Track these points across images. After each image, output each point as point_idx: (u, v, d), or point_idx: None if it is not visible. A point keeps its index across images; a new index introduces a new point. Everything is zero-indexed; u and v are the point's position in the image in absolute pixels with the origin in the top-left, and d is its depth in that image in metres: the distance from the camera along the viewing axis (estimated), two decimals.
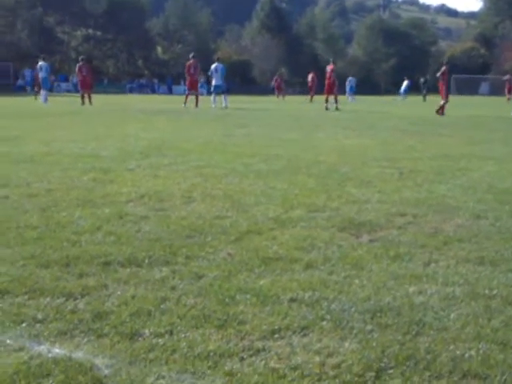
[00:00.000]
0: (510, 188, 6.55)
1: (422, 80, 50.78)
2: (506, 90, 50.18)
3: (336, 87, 27.42)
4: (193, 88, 27.34)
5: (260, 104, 32.85)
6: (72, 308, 3.03)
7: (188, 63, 27.49)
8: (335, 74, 27.65)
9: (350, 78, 47.67)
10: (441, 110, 22.37)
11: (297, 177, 7.10)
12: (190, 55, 28.45)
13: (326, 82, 27.29)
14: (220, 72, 27.19)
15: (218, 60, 28.42)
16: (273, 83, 53.71)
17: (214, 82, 27.39)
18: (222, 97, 26.47)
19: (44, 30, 71.56)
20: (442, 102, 22.78)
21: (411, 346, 2.66)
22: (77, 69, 29.31)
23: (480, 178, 7.27)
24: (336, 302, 3.15)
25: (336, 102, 26.48)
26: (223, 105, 25.85)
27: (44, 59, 30.37)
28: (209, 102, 27.58)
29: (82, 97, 27.98)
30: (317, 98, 38.90)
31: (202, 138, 11.53)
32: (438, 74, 23.74)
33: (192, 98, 26.39)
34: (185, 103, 26.20)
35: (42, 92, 29.27)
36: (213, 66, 27.52)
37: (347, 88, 46.94)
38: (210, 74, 27.82)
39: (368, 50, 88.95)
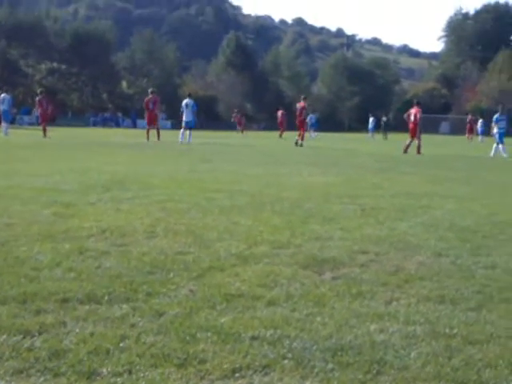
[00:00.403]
0: (470, 226, 6.64)
1: (384, 119, 51.27)
2: (467, 130, 51.16)
3: (306, 124, 28.00)
4: (152, 122, 27.42)
5: (225, 139, 32.97)
6: (29, 346, 2.95)
7: (147, 98, 27.67)
8: (306, 112, 28.21)
9: (310, 115, 48.23)
10: (418, 150, 22.53)
11: (261, 213, 7.10)
12: (149, 90, 28.63)
13: (298, 118, 27.71)
14: (190, 108, 27.31)
15: (190, 96, 28.54)
16: (232, 119, 54.51)
17: (184, 118, 27.38)
18: (186, 132, 26.56)
19: (8, 63, 71.25)
20: (416, 142, 22.99)
21: None
22: (37, 102, 29.16)
23: (441, 216, 7.35)
24: (298, 340, 3.13)
25: (302, 138, 26.87)
26: (187, 140, 25.95)
27: (6, 91, 30.10)
28: (172, 136, 27.56)
29: (44, 130, 27.82)
30: (285, 134, 39.29)
31: (165, 173, 11.50)
32: (411, 115, 23.79)
33: (153, 132, 26.51)
34: (147, 138, 26.16)
35: (3, 124, 29.03)
36: (184, 102, 27.66)
37: (309, 125, 47.53)
38: (181, 109, 27.79)
39: (332, 88, 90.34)
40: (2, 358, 2.80)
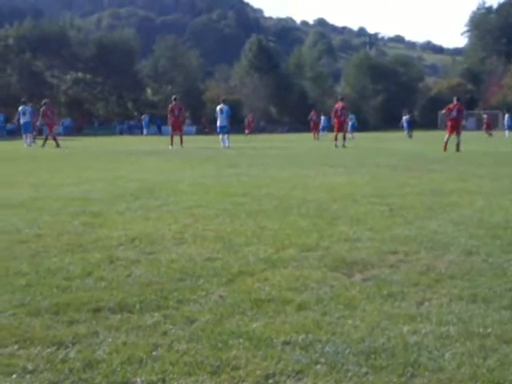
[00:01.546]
0: (500, 223, 6.56)
1: (407, 116, 48.84)
2: (484, 127, 50.36)
3: (346, 125, 27.82)
4: (177, 129, 27.94)
5: (250, 143, 33.01)
6: (63, 357, 2.98)
7: (171, 106, 28.14)
8: (346, 112, 28.09)
9: (351, 116, 48.10)
10: (456, 147, 22.14)
11: (287, 216, 7.09)
12: (173, 97, 29.10)
13: (337, 119, 27.54)
14: (225, 113, 27.86)
15: (224, 101, 28.98)
16: (246, 122, 54.97)
17: (218, 123, 27.95)
18: (225, 137, 27.19)
19: (33, 75, 72.09)
20: (457, 139, 22.60)
21: None
22: (41, 113, 29.68)
23: (470, 213, 7.27)
24: (330, 344, 3.12)
25: (344, 139, 26.73)
26: (226, 145, 26.63)
27: (24, 103, 30.53)
28: (198, 141, 27.70)
29: (54, 139, 28.64)
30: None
31: (192, 179, 11.54)
32: (453, 111, 23.23)
33: (177, 138, 27.01)
34: (171, 144, 26.62)
35: (25, 136, 29.94)
36: (218, 107, 28.18)
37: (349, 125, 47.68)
38: (215, 115, 28.38)
39: (356, 88, 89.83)
40: (37, 370, 2.83)
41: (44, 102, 30.51)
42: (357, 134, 45.85)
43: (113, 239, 5.77)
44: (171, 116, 27.88)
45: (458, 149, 21.97)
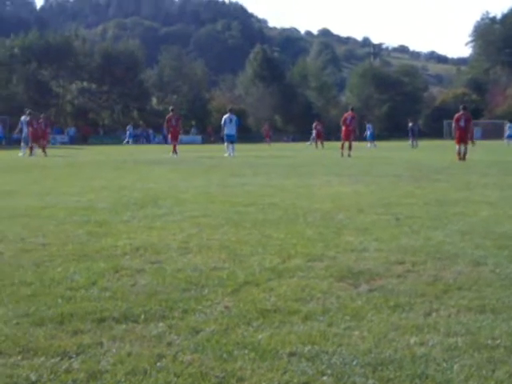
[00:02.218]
0: (507, 232, 6.52)
1: (410, 125, 47.75)
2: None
3: (355, 134, 27.89)
4: (175, 139, 28.57)
5: (255, 152, 33.00)
6: (66, 367, 2.95)
7: (168, 116, 29.06)
8: (355, 122, 28.16)
9: (368, 125, 48.14)
10: (464, 156, 22.03)
11: (293, 225, 7.06)
12: (170, 108, 30.28)
13: (346, 128, 27.54)
14: (234, 122, 28.58)
15: (231, 111, 29.47)
16: (264, 132, 55.16)
17: (226, 131, 28.28)
18: (230, 146, 27.52)
19: (39, 84, 72.29)
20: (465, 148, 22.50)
21: None
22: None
23: (477, 222, 7.24)
24: (336, 355, 3.09)
25: (350, 149, 26.70)
26: (232, 154, 26.89)
27: (30, 114, 30.93)
28: (203, 150, 27.74)
29: (31, 148, 29.81)
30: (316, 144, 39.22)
31: (197, 188, 11.53)
32: (460, 121, 23.09)
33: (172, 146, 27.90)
34: (176, 153, 27.29)
35: (23, 145, 30.71)
36: (226, 116, 28.64)
37: (367, 135, 48.01)
38: (222, 123, 28.74)
39: (361, 97, 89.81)
40: (40, 381, 2.80)
41: (28, 111, 31.23)
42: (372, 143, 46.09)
43: (117, 248, 5.75)
44: (169, 126, 28.82)
45: (464, 158, 21.94)
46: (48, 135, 37.56)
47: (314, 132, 46.85)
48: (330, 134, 59.05)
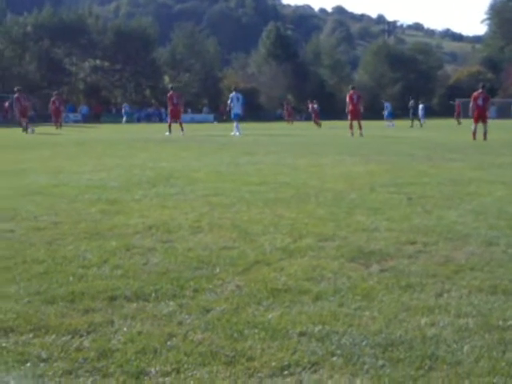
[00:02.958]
0: None
1: (411, 103, 46.41)
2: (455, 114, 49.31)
3: (361, 113, 27.75)
4: (175, 117, 28.73)
5: (267, 131, 32.93)
6: (77, 346, 2.97)
7: (169, 94, 28.93)
8: (361, 100, 28.00)
9: (386, 104, 47.58)
10: (484, 136, 21.84)
11: (305, 205, 7.04)
12: (170, 86, 30.63)
13: (354, 107, 27.35)
14: (241, 101, 28.70)
15: (236, 90, 29.75)
16: (284, 110, 54.93)
17: (235, 110, 28.31)
18: (238, 124, 27.60)
19: (52, 62, 72.33)
20: (484, 127, 22.25)
21: (424, 382, 2.60)
22: (14, 100, 31.42)
23: (490, 203, 7.18)
24: (346, 335, 3.08)
25: (361, 128, 26.59)
26: (240, 132, 26.97)
27: (18, 91, 31.30)
28: (216, 129, 27.71)
29: (21, 124, 31.03)
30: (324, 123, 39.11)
31: (209, 167, 11.52)
32: (478, 100, 22.71)
33: (176, 125, 27.97)
34: (169, 131, 27.52)
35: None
36: (233, 95, 28.68)
37: (385, 114, 47.49)
38: (230, 102, 28.76)
39: (374, 76, 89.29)
40: (51, 359, 2.82)
41: (17, 88, 31.59)
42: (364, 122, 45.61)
43: (129, 227, 5.77)
44: (170, 104, 28.69)
45: (485, 137, 21.69)
46: (61, 113, 38.15)
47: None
48: (342, 112, 58.68)
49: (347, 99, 27.90)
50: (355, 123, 26.74)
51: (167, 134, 27.12)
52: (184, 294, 3.75)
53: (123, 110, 62.98)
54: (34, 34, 72.53)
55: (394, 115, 46.79)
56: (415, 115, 45.38)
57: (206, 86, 78.58)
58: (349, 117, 27.56)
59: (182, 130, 27.32)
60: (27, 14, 75.43)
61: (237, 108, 28.26)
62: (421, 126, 42.65)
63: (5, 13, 75.18)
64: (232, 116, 28.66)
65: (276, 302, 3.61)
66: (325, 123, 45.27)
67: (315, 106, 46.78)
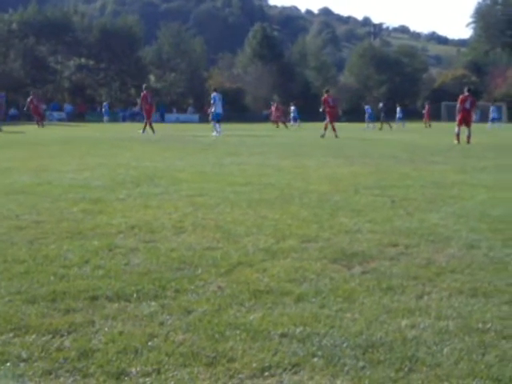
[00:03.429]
0: (502, 216, 6.51)
1: (380, 105, 45.91)
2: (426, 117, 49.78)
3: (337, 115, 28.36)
4: (150, 116, 28.97)
5: (251, 131, 32.93)
6: (58, 346, 2.96)
7: (143, 94, 29.08)
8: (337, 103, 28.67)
9: (366, 107, 47.83)
10: (467, 139, 21.85)
11: (289, 206, 7.06)
12: (143, 86, 30.77)
13: (333, 109, 28.08)
14: (222, 101, 28.94)
15: (216, 90, 29.63)
16: (272, 112, 54.84)
17: (217, 110, 28.24)
18: (218, 125, 27.59)
19: (37, 60, 71.92)
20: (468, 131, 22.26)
21: (404, 383, 2.61)
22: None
23: (472, 206, 7.24)
24: (327, 337, 3.09)
25: (334, 130, 26.83)
26: (219, 133, 26.90)
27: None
28: (200, 129, 27.70)
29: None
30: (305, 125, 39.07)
31: (193, 167, 11.51)
32: (466, 103, 22.78)
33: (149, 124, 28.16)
34: (143, 130, 27.79)
35: None
36: (215, 95, 28.59)
37: (397, 115, 48.27)
38: (213, 102, 28.59)
39: (360, 78, 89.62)
40: (31, 359, 2.80)
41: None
42: (348, 125, 45.86)
43: (112, 227, 5.75)
44: (145, 103, 28.72)
45: (468, 141, 21.75)
46: (42, 111, 39.48)
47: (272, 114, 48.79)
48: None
49: (322, 102, 28.52)
50: (329, 125, 27.34)
51: (141, 132, 27.54)
52: (166, 295, 3.75)
53: (103, 110, 62.15)
54: (19, 32, 72.12)
55: (374, 118, 46.85)
56: (386, 118, 44.98)
57: (191, 85, 78.45)
58: (327, 118, 27.99)
59: (152, 129, 27.53)
60: (12, 11, 74.94)
61: (219, 107, 28.26)
62: (390, 128, 42.37)
63: None
64: (214, 116, 28.54)
65: (258, 304, 3.62)
66: (309, 125, 45.36)
67: (292, 107, 49.82)
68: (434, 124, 50.74)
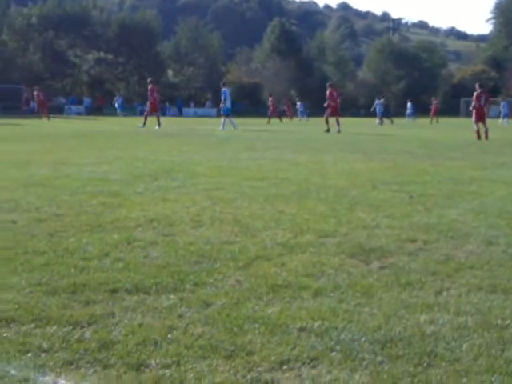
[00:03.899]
0: None
1: (377, 101, 45.40)
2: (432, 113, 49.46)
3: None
4: (155, 110, 29.00)
5: (268, 126, 32.91)
6: (78, 337, 2.99)
7: (151, 87, 29.22)
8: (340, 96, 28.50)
9: (376, 102, 47.63)
10: (485, 135, 21.66)
11: (306, 201, 7.06)
12: (149, 80, 30.85)
13: (337, 104, 27.69)
14: (231, 96, 29.02)
15: (225, 85, 29.64)
16: (284, 107, 55.40)
17: (228, 105, 28.29)
18: (229, 120, 27.67)
19: (56, 54, 72.23)
20: (485, 126, 21.96)
21: (422, 379, 2.61)
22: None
23: (491, 202, 7.19)
24: (346, 331, 3.10)
25: (338, 124, 26.72)
26: (225, 128, 26.95)
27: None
28: (217, 123, 27.74)
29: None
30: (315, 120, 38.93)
31: (210, 161, 11.54)
32: (481, 99, 22.59)
33: (153, 118, 28.19)
34: (144, 124, 27.84)
35: None
36: (225, 89, 28.53)
37: (408, 111, 49.01)
38: (224, 97, 28.50)
39: (378, 73, 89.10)
40: (52, 350, 2.84)
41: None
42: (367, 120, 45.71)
43: (131, 220, 5.79)
44: (152, 97, 28.93)
45: (486, 137, 21.55)
46: (47, 105, 42.07)
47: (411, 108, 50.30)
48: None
49: (327, 95, 28.14)
50: (332, 119, 27.14)
51: (140, 125, 27.64)
52: (184, 288, 3.77)
53: (116, 104, 61.01)
54: (38, 25, 72.40)
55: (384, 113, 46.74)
56: (382, 114, 44.56)
57: (209, 80, 78.36)
58: (328, 112, 27.77)
59: (159, 123, 27.38)
60: (32, 5, 75.29)
61: (229, 102, 28.32)
62: (392, 122, 42.78)
63: (9, 4, 75.06)
64: (224, 111, 28.43)
65: (276, 298, 3.63)
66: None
67: (298, 103, 53.12)
68: (453, 120, 50.44)
